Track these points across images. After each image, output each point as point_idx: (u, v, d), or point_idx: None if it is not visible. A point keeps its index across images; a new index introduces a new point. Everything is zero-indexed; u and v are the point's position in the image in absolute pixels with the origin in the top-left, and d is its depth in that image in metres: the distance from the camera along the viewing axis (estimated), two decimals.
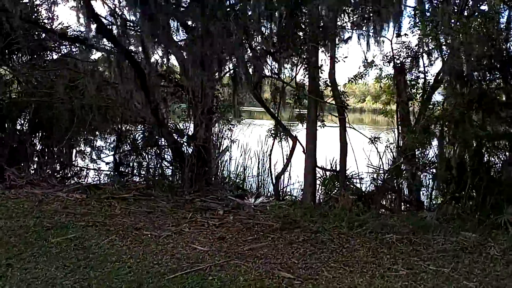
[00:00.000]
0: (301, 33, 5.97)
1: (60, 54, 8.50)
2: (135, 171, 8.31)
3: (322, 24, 5.94)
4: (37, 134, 7.99)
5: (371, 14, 6.37)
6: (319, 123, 7.40)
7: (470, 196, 6.15)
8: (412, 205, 7.36)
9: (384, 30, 6.87)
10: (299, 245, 4.61)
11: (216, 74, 6.27)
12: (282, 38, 5.84)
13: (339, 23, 6.71)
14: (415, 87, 7.30)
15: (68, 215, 5.07)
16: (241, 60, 5.45)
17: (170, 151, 8.02)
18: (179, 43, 6.85)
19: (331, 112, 7.18)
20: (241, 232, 4.95)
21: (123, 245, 4.22)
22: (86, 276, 3.45)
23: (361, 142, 7.60)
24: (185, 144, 7.74)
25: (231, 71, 6.89)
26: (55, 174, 7.36)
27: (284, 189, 8.73)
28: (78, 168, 7.80)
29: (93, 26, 5.63)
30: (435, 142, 6.90)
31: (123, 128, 8.34)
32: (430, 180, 7.38)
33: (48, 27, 7.84)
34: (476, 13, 6.16)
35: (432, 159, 7.06)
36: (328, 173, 8.06)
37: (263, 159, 9.12)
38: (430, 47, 6.88)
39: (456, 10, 6.19)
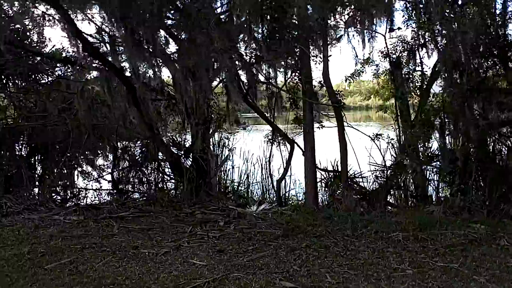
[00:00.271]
0: (289, 36, 5.86)
1: (54, 77, 8.51)
2: (135, 187, 8.25)
3: (311, 24, 5.83)
4: (34, 158, 7.95)
5: (364, 11, 6.27)
6: (317, 124, 7.30)
7: (476, 187, 5.98)
8: (419, 200, 7.18)
9: (377, 26, 6.80)
10: (302, 251, 4.46)
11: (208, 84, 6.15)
12: (270, 42, 5.73)
13: (331, 22, 6.64)
14: (413, 80, 7.18)
15: (64, 238, 4.95)
16: (228, 68, 5.35)
17: (169, 165, 7.95)
18: (172, 55, 6.82)
19: (328, 112, 7.07)
20: (242, 243, 4.80)
21: (119, 265, 4.09)
22: None
23: (363, 140, 7.46)
24: (183, 157, 7.65)
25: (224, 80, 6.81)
26: (53, 197, 7.28)
27: (288, 194, 8.61)
28: (76, 189, 7.71)
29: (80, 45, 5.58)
30: (437, 135, 6.77)
31: (120, 145, 8.29)
32: (436, 174, 7.22)
33: (40, 50, 7.89)
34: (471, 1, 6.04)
35: (436, 152, 6.92)
36: (331, 174, 7.94)
37: (267, 165, 9.00)
38: (426, 39, 6.77)
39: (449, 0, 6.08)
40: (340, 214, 5.85)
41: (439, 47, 6.12)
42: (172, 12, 5.56)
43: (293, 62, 6.04)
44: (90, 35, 6.00)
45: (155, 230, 5.41)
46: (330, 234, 5.06)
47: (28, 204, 6.50)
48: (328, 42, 6.83)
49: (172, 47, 6.66)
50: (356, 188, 7.24)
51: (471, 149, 5.98)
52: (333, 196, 7.33)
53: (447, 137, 6.17)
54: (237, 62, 5.91)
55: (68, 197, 7.62)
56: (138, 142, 8.30)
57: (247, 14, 5.30)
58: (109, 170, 7.91)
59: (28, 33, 7.99)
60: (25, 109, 8.01)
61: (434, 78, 6.68)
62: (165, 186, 8.35)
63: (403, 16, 6.92)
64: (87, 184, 8.06)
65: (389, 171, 7.08)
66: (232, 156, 9.76)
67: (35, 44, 8.43)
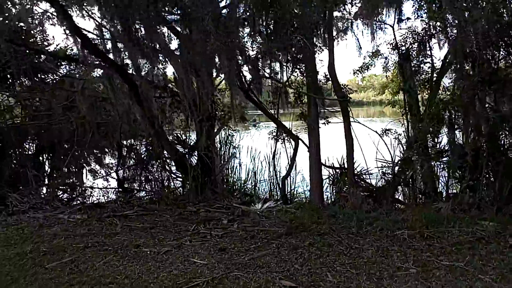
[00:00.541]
0: (292, 28, 5.73)
1: (59, 75, 8.54)
2: (141, 186, 8.24)
3: (315, 16, 5.69)
4: (40, 157, 8.00)
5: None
6: (323, 120, 7.19)
7: (487, 183, 5.80)
8: (428, 196, 7.02)
9: (386, 17, 6.64)
10: (304, 249, 4.38)
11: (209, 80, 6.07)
12: (273, 35, 5.62)
13: (337, 14, 6.50)
14: (423, 73, 7.00)
15: (67, 237, 4.97)
16: (226, 63, 5.27)
17: (174, 162, 7.92)
18: (175, 51, 6.76)
19: (335, 107, 6.93)
20: (244, 241, 4.75)
21: (120, 264, 4.07)
22: None
23: (372, 136, 7.32)
24: (188, 154, 7.61)
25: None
26: (59, 196, 7.32)
27: (295, 191, 8.51)
28: (82, 188, 7.75)
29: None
30: (446, 130, 6.59)
31: (126, 143, 8.29)
32: (445, 169, 7.05)
33: (43, 49, 7.92)
34: None
35: (445, 147, 6.74)
36: (337, 171, 7.83)
37: (273, 162, 8.92)
38: (437, 29, 6.56)
39: None
40: (346, 212, 5.75)
41: (450, 38, 5.91)
42: (171, 6, 5.47)
43: (296, 55, 5.91)
44: (91, 32, 5.99)
45: (158, 228, 5.40)
46: (335, 232, 4.97)
47: (34, 203, 6.54)
48: (334, 35, 6.70)
49: (176, 43, 6.61)
50: (363, 185, 7.11)
51: (482, 144, 5.79)
52: (339, 193, 7.22)
53: (456, 131, 5.98)
54: (238, 57, 5.81)
55: (74, 195, 7.65)
56: (143, 140, 8.29)
57: (250, 6, 5.19)
58: (115, 169, 7.90)
59: (32, 32, 8.04)
60: (30, 108, 8.05)
61: (445, 70, 6.47)
62: (171, 184, 8.34)
63: (413, 6, 6.74)
64: (93, 183, 8.09)
65: (396, 167, 6.92)
66: (239, 153, 9.73)
67: (40, 43, 8.52)
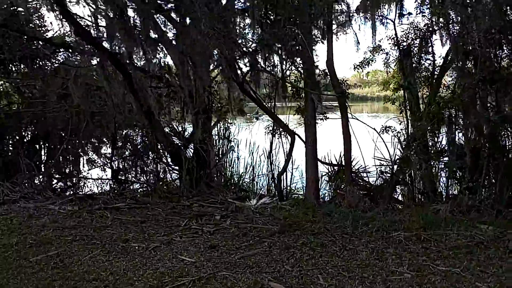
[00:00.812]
0: (289, 20, 5.55)
1: (56, 62, 8.38)
2: (137, 177, 8.12)
3: (313, 8, 5.51)
4: (35, 145, 7.87)
5: None
6: (321, 116, 7.03)
7: (487, 185, 5.66)
8: (428, 197, 6.88)
9: (388, 11, 6.45)
10: (297, 249, 4.26)
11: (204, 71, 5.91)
12: (271, 28, 5.45)
13: (337, 7, 6.30)
14: (423, 70, 6.82)
15: (56, 229, 4.86)
16: (224, 55, 5.11)
17: (169, 155, 7.78)
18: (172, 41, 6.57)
19: (333, 102, 6.77)
20: (236, 239, 4.63)
21: (106, 260, 3.96)
22: None
23: (371, 133, 7.16)
24: (183, 146, 7.47)
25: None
26: (52, 186, 7.21)
27: (293, 187, 8.38)
28: (76, 178, 7.63)
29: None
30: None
31: (121, 134, 8.14)
32: (443, 170, 6.91)
33: (40, 35, 7.75)
34: None
35: (445, 147, 6.59)
36: (335, 168, 7.69)
37: (270, 157, 8.77)
38: (440, 26, 6.37)
39: None
40: (341, 211, 5.63)
41: (452, 34, 5.73)
42: None
43: (293, 49, 5.73)
44: (86, 19, 5.80)
45: (149, 222, 5.29)
46: (329, 231, 4.85)
47: (26, 192, 6.44)
48: (334, 30, 6.51)
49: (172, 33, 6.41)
50: (360, 183, 6.98)
51: (482, 144, 5.63)
52: (336, 191, 7.10)
53: (457, 131, 5.82)
54: (233, 49, 5.64)
55: (67, 186, 7.55)
56: (139, 130, 8.15)
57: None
58: (109, 159, 7.76)
59: (30, 17, 7.86)
60: (25, 95, 7.91)
61: (446, 68, 6.30)
62: (167, 176, 8.21)
63: (415, 0, 6.53)
64: (87, 173, 7.97)
65: (395, 166, 6.77)
66: (237, 147, 9.59)
67: (40, 29, 8.35)
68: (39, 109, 7.65)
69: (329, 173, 7.76)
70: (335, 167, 7.59)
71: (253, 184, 8.88)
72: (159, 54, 6.60)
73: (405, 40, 6.68)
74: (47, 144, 8.02)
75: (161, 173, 8.20)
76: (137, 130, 8.17)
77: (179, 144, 7.49)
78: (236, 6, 5.30)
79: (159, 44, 5.99)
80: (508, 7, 5.25)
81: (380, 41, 7.17)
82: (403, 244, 4.38)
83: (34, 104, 7.90)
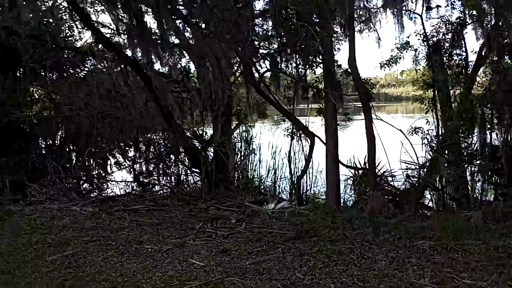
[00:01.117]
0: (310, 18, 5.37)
1: (85, 70, 8.69)
2: (159, 180, 8.21)
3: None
4: (63, 149, 8.15)
5: None
6: (343, 117, 6.81)
7: None
8: (460, 203, 6.45)
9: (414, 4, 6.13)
10: (311, 256, 4.08)
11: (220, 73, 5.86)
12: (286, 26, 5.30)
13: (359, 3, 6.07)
14: (455, 66, 6.43)
15: (75, 230, 4.96)
16: (239, 58, 5.03)
17: (189, 158, 7.81)
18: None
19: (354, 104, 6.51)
20: (249, 243, 4.52)
21: (118, 261, 3.97)
22: None
23: (399, 135, 6.83)
24: (202, 150, 7.47)
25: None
26: (77, 188, 7.42)
27: (316, 191, 8.16)
28: (100, 180, 7.82)
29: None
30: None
31: (145, 137, 8.28)
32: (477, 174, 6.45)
33: (68, 45, 8.08)
34: None
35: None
36: (359, 172, 7.41)
37: (292, 160, 8.61)
38: (473, 19, 5.97)
39: None
40: (363, 217, 5.37)
41: (486, 27, 5.33)
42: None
43: (312, 48, 5.55)
44: (107, 26, 5.95)
45: (165, 224, 5.29)
46: (348, 238, 4.62)
47: (52, 194, 6.65)
48: (358, 27, 6.30)
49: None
50: (386, 188, 6.65)
51: None
52: (360, 196, 6.80)
53: (488, 132, 5.41)
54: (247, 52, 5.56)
55: (92, 188, 7.75)
56: (161, 134, 8.25)
57: None
58: (131, 163, 7.90)
59: (61, 27, 8.21)
60: (54, 102, 8.23)
61: (480, 64, 5.87)
62: (188, 179, 8.25)
63: None
64: (111, 176, 8.14)
65: (423, 169, 6.41)
66: (259, 149, 9.49)
67: (70, 39, 8.72)
68: (67, 115, 7.94)
69: (353, 177, 7.48)
70: (359, 171, 7.30)
71: (274, 188, 8.75)
72: (179, 58, 6.64)
73: (434, 35, 6.33)
74: (74, 148, 8.32)
75: (182, 176, 8.27)
76: (160, 134, 8.29)
77: (199, 147, 7.50)
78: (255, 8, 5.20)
79: (178, 48, 6.01)
80: None
81: (408, 37, 6.86)
82: (427, 253, 4.09)
83: (62, 110, 8.22)
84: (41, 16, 7.06)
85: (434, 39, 6.11)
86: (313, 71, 6.43)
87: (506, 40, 4.86)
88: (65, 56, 8.37)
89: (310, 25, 5.06)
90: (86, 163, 7.72)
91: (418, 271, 3.68)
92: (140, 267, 3.82)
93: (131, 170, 7.68)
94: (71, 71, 8.72)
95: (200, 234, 4.90)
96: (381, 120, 6.29)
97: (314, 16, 5.34)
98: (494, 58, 5.16)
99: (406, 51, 6.91)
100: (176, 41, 5.85)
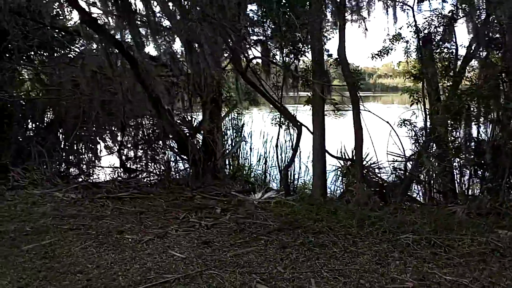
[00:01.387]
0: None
1: (76, 51, 8.41)
2: (147, 166, 8.09)
3: None
4: (49, 132, 7.96)
5: None
6: (332, 107, 6.71)
7: (509, 186, 5.20)
8: (448, 197, 6.45)
9: None
10: (293, 249, 4.04)
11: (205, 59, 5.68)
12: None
13: None
14: (445, 60, 6.34)
15: (55, 217, 4.85)
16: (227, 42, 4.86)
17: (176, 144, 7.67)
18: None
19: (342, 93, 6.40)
20: (232, 235, 4.46)
21: (96, 252, 3.89)
22: None
23: (389, 126, 6.77)
24: (189, 136, 7.33)
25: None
26: (61, 172, 7.28)
27: (306, 182, 8.10)
28: (85, 165, 7.68)
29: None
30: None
31: (133, 122, 8.11)
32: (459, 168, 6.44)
33: (53, 24, 7.77)
34: None
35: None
36: (347, 162, 7.35)
37: (282, 149, 8.52)
38: (465, 13, 5.88)
39: None
40: (348, 209, 5.33)
41: (475, 21, 5.24)
42: None
43: (302, 36, 5.38)
44: (97, 6, 5.69)
45: (149, 213, 5.20)
46: (332, 231, 4.59)
47: (35, 178, 6.51)
48: (350, 16, 6.14)
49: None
50: (373, 180, 6.62)
51: (505, 141, 5.15)
52: (346, 186, 6.78)
53: (475, 126, 5.37)
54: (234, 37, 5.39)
55: (77, 173, 7.61)
56: (150, 119, 8.08)
57: None
58: (117, 148, 7.75)
59: (50, 6, 7.88)
60: (42, 82, 8.00)
61: (469, 58, 5.80)
62: (178, 166, 8.14)
63: None
64: (98, 161, 8.00)
65: (411, 162, 6.38)
66: (251, 137, 9.39)
67: (62, 18, 8.42)
68: (54, 96, 7.73)
69: (342, 168, 7.43)
70: (347, 162, 7.25)
71: (265, 176, 8.70)
72: (167, 42, 6.42)
73: (426, 27, 6.22)
74: (60, 131, 8.13)
75: (172, 163, 8.16)
76: (149, 119, 8.12)
77: (187, 134, 7.36)
78: None
79: (166, 31, 5.81)
80: None
81: (400, 29, 6.76)
82: (410, 248, 4.06)
83: (50, 91, 7.99)
84: None
85: (426, 31, 6.00)
86: (302, 61, 6.28)
87: (495, 35, 4.78)
88: (54, 36, 8.11)
89: (296, 13, 4.89)
90: (74, 147, 7.55)
91: (400, 266, 3.66)
92: (118, 258, 3.74)
93: (119, 155, 7.52)
94: (62, 51, 8.48)
95: (184, 224, 4.83)
96: (369, 111, 6.21)
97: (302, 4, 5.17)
98: (483, 53, 5.09)
99: (398, 43, 6.82)
100: (166, 23, 5.64)
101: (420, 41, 5.94)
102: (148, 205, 5.56)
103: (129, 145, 7.78)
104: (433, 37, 5.99)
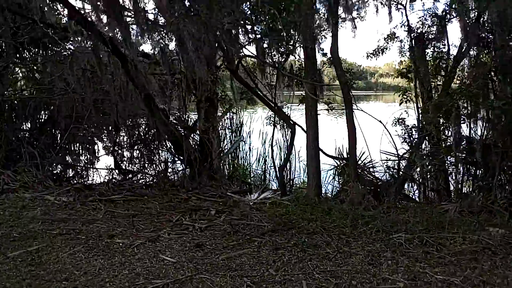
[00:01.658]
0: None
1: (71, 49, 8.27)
2: (142, 168, 8.00)
3: None
4: (42, 133, 7.85)
5: None
6: (325, 106, 6.69)
7: (500, 184, 5.20)
8: (442, 195, 6.45)
9: None
10: (286, 251, 4.02)
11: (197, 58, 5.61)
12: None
13: None
14: (437, 59, 6.34)
15: (45, 222, 4.78)
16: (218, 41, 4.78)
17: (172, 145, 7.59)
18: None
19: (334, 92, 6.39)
20: (226, 237, 4.42)
21: (85, 257, 3.83)
22: None
23: (385, 126, 6.75)
24: (184, 136, 7.26)
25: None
26: (53, 175, 7.19)
27: (303, 180, 8.07)
28: (79, 167, 7.60)
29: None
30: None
31: (128, 122, 7.99)
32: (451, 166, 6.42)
33: (44, 20, 7.65)
34: None
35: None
36: (343, 162, 7.34)
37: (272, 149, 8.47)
38: (458, 12, 5.86)
39: None
40: (342, 208, 5.32)
41: (466, 20, 5.23)
42: None
43: (294, 34, 5.33)
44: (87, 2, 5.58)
45: (142, 216, 5.15)
46: (325, 231, 4.58)
47: (26, 181, 6.42)
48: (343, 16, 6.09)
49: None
50: (367, 179, 6.60)
51: (495, 139, 5.14)
52: (342, 186, 6.76)
53: (466, 125, 5.37)
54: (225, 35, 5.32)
55: (69, 175, 7.53)
56: (145, 118, 7.97)
57: None
58: (111, 149, 7.67)
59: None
60: (34, 81, 7.87)
61: (461, 57, 5.79)
62: (176, 167, 8.04)
63: None
64: (92, 162, 7.91)
65: (404, 161, 6.37)
66: (250, 137, 9.34)
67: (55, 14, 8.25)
68: (45, 95, 7.59)
69: (337, 168, 7.41)
70: (343, 161, 7.23)
71: (264, 176, 8.66)
72: (159, 39, 6.33)
73: (419, 27, 6.21)
74: (53, 132, 8.01)
75: (168, 163, 8.07)
76: (145, 119, 8.00)
77: (182, 133, 7.28)
78: None
79: (156, 28, 5.73)
80: None
81: (395, 28, 6.75)
82: (402, 247, 4.05)
83: (42, 90, 7.84)
84: None
85: (419, 31, 5.99)
86: (297, 60, 6.24)
87: (485, 35, 4.76)
88: (46, 33, 7.97)
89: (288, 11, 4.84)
90: (64, 148, 7.45)
91: (392, 265, 3.65)
92: (107, 264, 3.69)
93: (113, 156, 7.44)
94: (55, 49, 8.34)
95: (177, 227, 4.78)
96: (362, 110, 6.19)
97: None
98: (469, 52, 5.08)
99: (393, 42, 6.81)
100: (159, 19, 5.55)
101: (413, 41, 5.92)
102: (141, 208, 5.50)
103: (124, 145, 7.68)
104: (425, 36, 5.97)
